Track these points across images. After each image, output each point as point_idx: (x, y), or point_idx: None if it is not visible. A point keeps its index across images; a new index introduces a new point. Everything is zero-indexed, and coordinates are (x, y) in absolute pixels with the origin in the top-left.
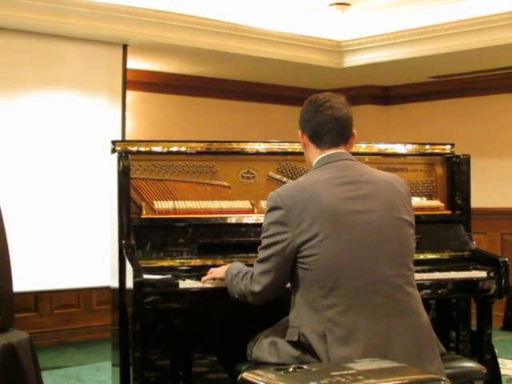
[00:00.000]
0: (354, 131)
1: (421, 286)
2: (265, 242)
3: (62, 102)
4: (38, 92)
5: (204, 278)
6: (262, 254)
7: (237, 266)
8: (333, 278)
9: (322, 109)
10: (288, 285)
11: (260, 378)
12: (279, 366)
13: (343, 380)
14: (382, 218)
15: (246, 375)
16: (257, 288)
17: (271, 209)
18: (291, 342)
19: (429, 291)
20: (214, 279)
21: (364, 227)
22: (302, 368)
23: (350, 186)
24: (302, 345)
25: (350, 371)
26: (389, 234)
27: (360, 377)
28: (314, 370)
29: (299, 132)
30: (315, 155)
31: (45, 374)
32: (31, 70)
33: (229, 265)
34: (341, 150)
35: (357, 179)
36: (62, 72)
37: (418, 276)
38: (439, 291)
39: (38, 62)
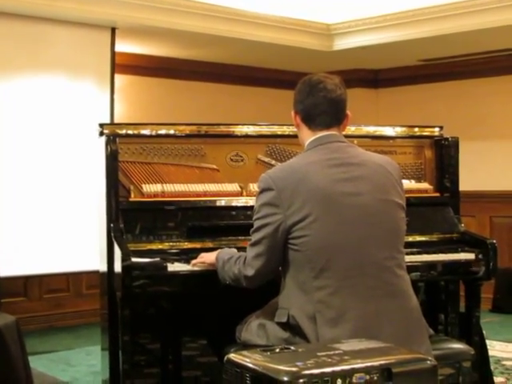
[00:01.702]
0: (348, 112)
1: (409, 268)
2: (256, 223)
3: (50, 85)
4: (26, 75)
5: (194, 262)
6: (254, 237)
7: (228, 251)
8: (323, 260)
9: (315, 90)
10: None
11: (246, 359)
12: (266, 347)
13: (329, 360)
14: (373, 201)
15: (232, 356)
16: (250, 272)
17: (263, 190)
18: (280, 324)
19: (417, 273)
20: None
21: (355, 209)
22: (288, 349)
23: (342, 168)
24: (290, 326)
25: (337, 351)
26: (380, 216)
27: (346, 357)
28: (300, 350)
29: (292, 112)
30: (307, 136)
31: (34, 359)
32: (18, 53)
33: (219, 250)
34: (333, 131)
35: (348, 161)
36: (49, 55)
37: (407, 258)
38: (428, 273)
39: (25, 46)
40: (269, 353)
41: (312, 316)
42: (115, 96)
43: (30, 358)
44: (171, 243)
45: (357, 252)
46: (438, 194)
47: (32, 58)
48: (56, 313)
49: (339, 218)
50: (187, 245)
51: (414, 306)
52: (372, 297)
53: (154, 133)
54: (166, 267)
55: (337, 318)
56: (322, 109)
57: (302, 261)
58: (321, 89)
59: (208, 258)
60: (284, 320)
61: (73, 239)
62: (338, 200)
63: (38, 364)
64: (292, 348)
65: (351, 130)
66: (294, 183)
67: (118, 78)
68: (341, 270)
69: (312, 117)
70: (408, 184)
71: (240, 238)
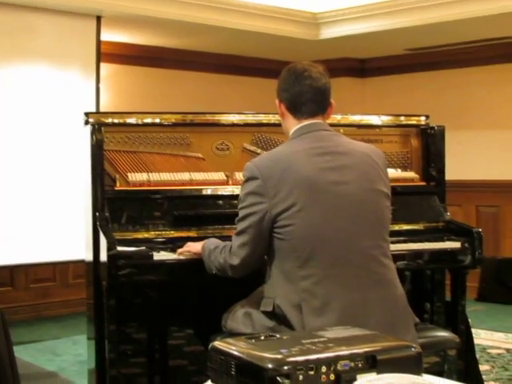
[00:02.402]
0: (332, 101)
1: (396, 257)
2: (242, 212)
3: (35, 74)
4: (10, 65)
5: (180, 250)
6: (239, 226)
7: (213, 241)
8: (309, 249)
9: (300, 78)
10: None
11: (231, 347)
12: (251, 335)
13: (314, 348)
14: (359, 190)
15: (216, 344)
16: (236, 261)
17: (248, 179)
18: (266, 313)
19: (403, 262)
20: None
21: (341, 198)
22: (273, 336)
23: (327, 157)
24: (276, 315)
25: (321, 339)
26: (365, 205)
27: (331, 344)
28: (285, 338)
29: (276, 101)
30: (292, 125)
31: (21, 348)
32: (2, 42)
33: (205, 240)
34: (318, 120)
35: (334, 150)
36: (34, 44)
37: (393, 247)
38: (414, 262)
39: (9, 34)
40: (254, 340)
41: (297, 305)
42: (101, 85)
43: (16, 348)
44: (157, 232)
45: (342, 241)
46: (424, 183)
47: (17, 47)
48: (42, 302)
49: (324, 207)
50: (173, 233)
51: (399, 295)
52: (357, 286)
53: (139, 122)
54: (152, 256)
55: (322, 307)
56: (308, 97)
57: (287, 250)
58: (306, 77)
59: (194, 247)
60: (269, 309)
61: (59, 229)
62: (324, 189)
63: (24, 354)
64: (277, 336)
65: (337, 118)
66: (280, 172)
67: (103, 66)
68: (326, 259)
69: (297, 105)
70: (394, 173)
71: (226, 226)
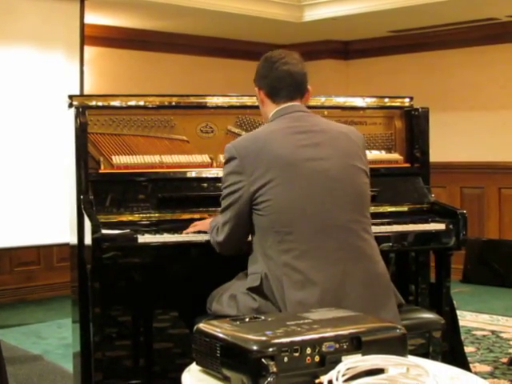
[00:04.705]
0: (309, 87)
1: (381, 239)
2: (224, 192)
3: (19, 57)
4: None
5: (186, 231)
6: (222, 204)
7: (216, 218)
8: (287, 223)
9: (278, 65)
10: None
11: (216, 329)
12: (236, 317)
13: (299, 329)
14: (336, 165)
15: (201, 326)
16: (220, 237)
17: (227, 160)
18: (250, 294)
19: (388, 244)
20: (198, 232)
21: (317, 174)
22: (258, 318)
23: (303, 135)
24: (262, 292)
25: (306, 320)
26: (343, 180)
27: (316, 326)
28: (269, 319)
29: (256, 89)
30: (272, 109)
31: (5, 332)
32: None
33: (213, 217)
34: (296, 103)
35: (310, 129)
36: (18, 27)
37: (378, 229)
38: (398, 243)
39: None
40: (238, 322)
41: (280, 279)
42: (85, 68)
43: (1, 331)
44: (141, 215)
45: (320, 215)
46: (408, 165)
47: (0, 29)
48: (27, 286)
49: (300, 183)
50: (157, 216)
51: (381, 272)
52: (337, 259)
53: (123, 104)
54: (137, 239)
55: (303, 280)
56: (287, 82)
57: (266, 225)
58: (284, 63)
59: (203, 224)
60: (257, 283)
61: (43, 212)
62: (300, 165)
63: (9, 337)
64: (262, 317)
65: (321, 100)
66: (256, 150)
67: (87, 49)
68: (305, 234)
69: (276, 90)
70: (378, 154)
71: (210, 209)
